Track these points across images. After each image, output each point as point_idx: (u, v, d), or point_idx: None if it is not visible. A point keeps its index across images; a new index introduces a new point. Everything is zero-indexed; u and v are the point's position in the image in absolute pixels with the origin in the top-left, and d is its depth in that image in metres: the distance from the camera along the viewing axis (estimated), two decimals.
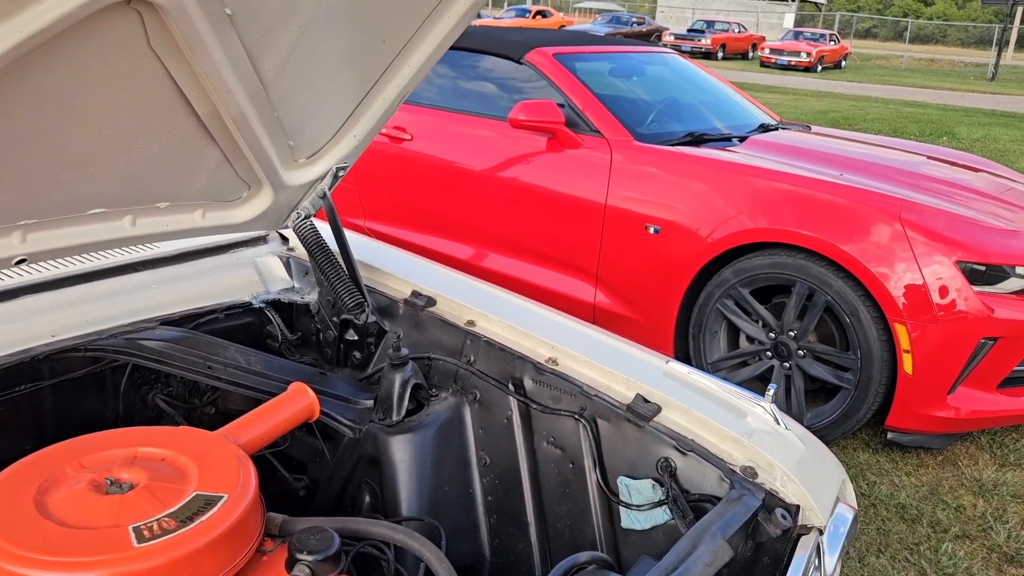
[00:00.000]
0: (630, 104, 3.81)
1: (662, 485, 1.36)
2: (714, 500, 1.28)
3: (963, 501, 2.87)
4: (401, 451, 1.49)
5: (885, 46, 41.66)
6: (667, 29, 30.30)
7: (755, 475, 1.27)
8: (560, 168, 3.54)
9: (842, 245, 2.84)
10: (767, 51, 25.69)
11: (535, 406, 1.53)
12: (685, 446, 1.32)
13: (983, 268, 2.80)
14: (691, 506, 1.32)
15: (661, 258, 3.27)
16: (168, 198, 1.50)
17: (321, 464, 1.71)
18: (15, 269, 1.60)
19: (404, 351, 1.54)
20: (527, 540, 1.57)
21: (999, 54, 27.27)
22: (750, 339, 3.23)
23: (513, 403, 1.56)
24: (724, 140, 3.75)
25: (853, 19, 42.87)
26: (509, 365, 1.57)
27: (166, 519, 0.98)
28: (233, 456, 1.12)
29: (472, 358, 1.63)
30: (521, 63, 3.87)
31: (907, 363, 2.79)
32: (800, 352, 3.08)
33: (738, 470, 1.28)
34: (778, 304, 3.17)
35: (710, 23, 29.47)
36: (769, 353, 3.16)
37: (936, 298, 2.75)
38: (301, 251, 1.99)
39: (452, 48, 4.08)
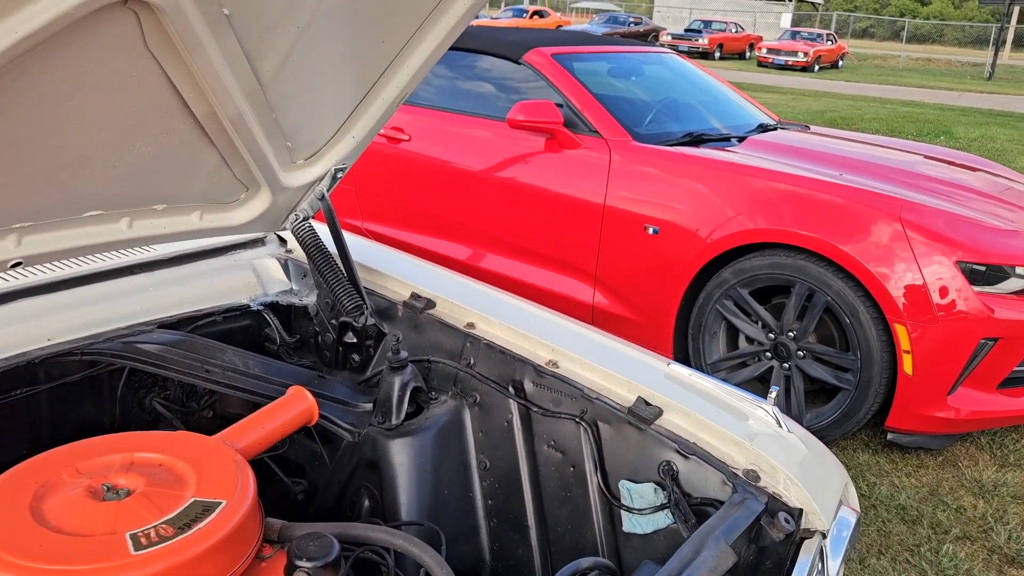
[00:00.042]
0: (629, 104, 3.80)
1: (664, 489, 1.35)
2: (716, 504, 1.28)
3: (963, 502, 2.87)
4: (400, 455, 1.48)
5: (882, 46, 41.76)
6: (664, 29, 30.36)
7: (758, 478, 1.26)
8: (559, 168, 3.53)
9: (842, 245, 2.84)
10: (764, 51, 25.72)
11: (535, 409, 1.52)
12: (687, 449, 1.31)
13: (983, 268, 2.79)
14: (693, 510, 1.31)
15: (660, 259, 3.26)
16: (165, 200, 1.49)
17: (320, 468, 1.70)
18: (10, 272, 1.59)
19: (403, 354, 1.53)
20: (528, 544, 1.56)
21: (996, 53, 27.34)
22: (749, 340, 3.22)
23: (513, 406, 1.55)
24: (723, 140, 3.74)
25: (850, 19, 42.94)
26: (509, 368, 1.56)
27: (164, 526, 0.97)
28: (231, 461, 1.11)
29: (472, 361, 1.61)
30: (519, 63, 3.86)
31: (907, 364, 2.79)
32: (800, 353, 3.07)
33: (741, 473, 1.27)
34: (778, 305, 3.16)
35: (707, 23, 29.52)
36: (769, 354, 3.15)
37: (936, 298, 2.75)
38: (299, 253, 1.98)
39: (450, 48, 4.07)
